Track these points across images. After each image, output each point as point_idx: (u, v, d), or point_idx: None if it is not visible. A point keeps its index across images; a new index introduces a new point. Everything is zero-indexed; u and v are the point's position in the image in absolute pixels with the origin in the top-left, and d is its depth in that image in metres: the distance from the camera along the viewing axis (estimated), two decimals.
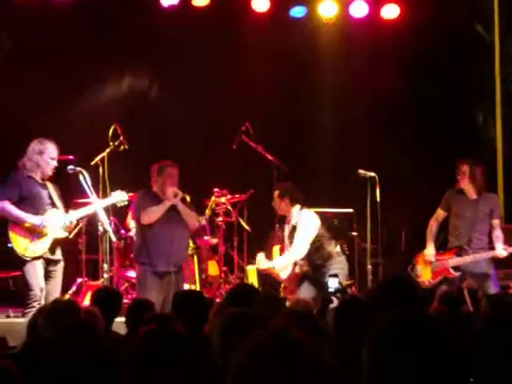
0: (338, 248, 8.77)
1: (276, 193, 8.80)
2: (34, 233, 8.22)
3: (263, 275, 9.42)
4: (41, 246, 8.24)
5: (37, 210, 8.27)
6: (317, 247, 8.61)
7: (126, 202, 8.87)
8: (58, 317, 4.69)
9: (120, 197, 8.81)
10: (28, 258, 8.16)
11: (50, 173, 8.45)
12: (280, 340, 2.18)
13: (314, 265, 8.65)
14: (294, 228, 8.68)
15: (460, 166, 9.00)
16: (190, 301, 5.53)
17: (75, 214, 8.57)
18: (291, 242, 8.69)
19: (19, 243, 8.18)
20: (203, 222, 10.28)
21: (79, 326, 4.37)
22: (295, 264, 8.77)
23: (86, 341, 4.06)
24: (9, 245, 8.19)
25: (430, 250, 9.10)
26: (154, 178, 8.73)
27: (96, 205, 8.61)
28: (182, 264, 8.92)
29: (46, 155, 8.37)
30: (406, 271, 9.23)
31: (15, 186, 8.26)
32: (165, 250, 8.55)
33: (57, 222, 8.35)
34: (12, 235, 8.19)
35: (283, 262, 8.78)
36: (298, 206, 8.73)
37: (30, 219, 8.20)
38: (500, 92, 11.55)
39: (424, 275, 9.11)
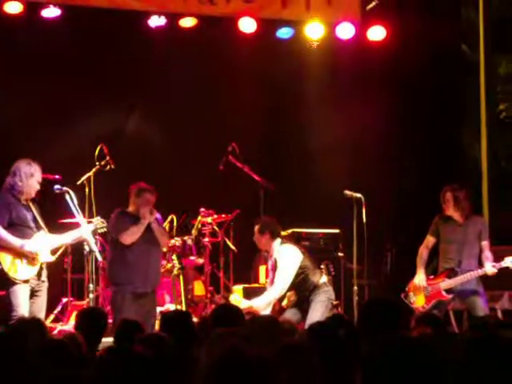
0: (324, 278, 8.80)
1: (256, 228, 8.84)
2: (24, 257, 8.19)
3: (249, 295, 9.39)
4: (30, 270, 8.21)
5: (24, 234, 8.22)
6: (302, 279, 8.65)
7: (105, 229, 8.90)
8: (24, 336, 4.66)
9: (99, 224, 8.82)
10: (17, 281, 8.12)
11: (33, 195, 8.44)
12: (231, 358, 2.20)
13: (300, 296, 8.68)
14: (275, 262, 8.71)
15: (444, 194, 9.11)
16: (179, 321, 5.49)
17: (62, 240, 8.57)
18: (274, 276, 8.71)
19: (10, 266, 8.13)
20: (189, 242, 10.30)
21: (47, 347, 4.28)
22: (282, 298, 8.76)
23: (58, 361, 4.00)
24: None
25: (420, 277, 9.18)
26: (131, 199, 8.79)
27: (82, 230, 8.60)
28: (157, 286, 8.96)
29: (35, 178, 8.35)
30: (399, 297, 9.26)
31: (6, 210, 8.20)
32: (143, 270, 8.63)
33: (45, 246, 8.33)
34: (3, 257, 8.13)
35: (262, 302, 8.75)
36: (278, 241, 8.77)
37: (29, 247, 8.16)
38: (485, 111, 11.62)
39: (418, 301, 9.17)
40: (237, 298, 8.99)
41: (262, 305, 8.71)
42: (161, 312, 9.29)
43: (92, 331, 5.44)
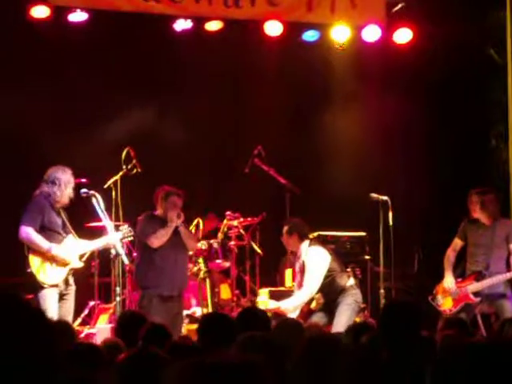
0: (352, 280, 8.73)
1: (284, 229, 8.82)
2: (54, 261, 8.24)
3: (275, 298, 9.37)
4: (60, 275, 8.27)
5: (53, 239, 8.28)
6: (329, 282, 8.60)
7: (132, 238, 8.94)
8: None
9: (127, 233, 8.87)
10: (46, 285, 8.17)
11: (68, 203, 8.51)
12: None
13: (327, 298, 8.64)
14: (303, 264, 8.67)
15: (470, 197, 9.12)
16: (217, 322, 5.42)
17: (90, 246, 8.63)
18: (301, 278, 8.67)
19: (39, 269, 8.18)
20: (215, 245, 10.31)
21: (75, 351, 4.27)
22: (311, 300, 8.73)
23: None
24: (28, 270, 8.19)
25: (448, 279, 9.17)
26: (158, 202, 8.82)
27: (110, 238, 8.63)
28: (183, 289, 8.98)
29: (71, 185, 8.42)
30: (426, 300, 9.23)
31: (38, 214, 8.25)
32: (170, 273, 8.67)
33: (74, 252, 8.38)
34: (33, 260, 8.18)
35: (290, 304, 8.73)
36: (306, 242, 8.72)
37: (56, 251, 8.21)
38: None
39: (445, 304, 9.16)
40: (264, 299, 8.97)
41: (291, 307, 8.69)
42: (187, 315, 9.32)
43: (132, 335, 5.41)
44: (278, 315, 8.81)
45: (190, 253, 9.48)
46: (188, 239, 8.93)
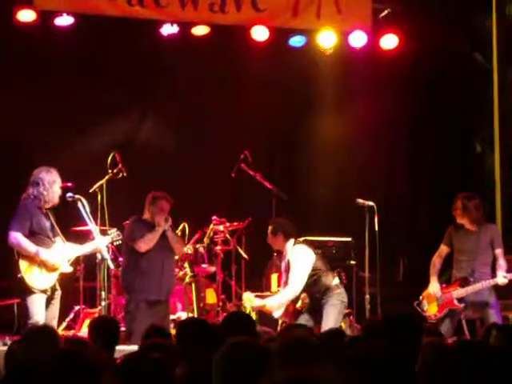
0: (337, 280, 8.73)
1: (269, 229, 8.82)
2: (44, 266, 8.22)
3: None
4: (49, 280, 8.25)
5: (42, 243, 8.25)
6: (314, 280, 8.59)
7: (120, 242, 8.94)
8: (35, 345, 4.65)
9: (115, 236, 8.86)
10: (35, 290, 8.15)
11: (57, 201, 8.47)
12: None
13: (312, 297, 8.63)
14: (289, 263, 8.68)
15: (455, 201, 9.13)
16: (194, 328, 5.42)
17: (78, 251, 8.61)
18: (287, 277, 8.68)
19: (29, 274, 8.15)
20: (201, 250, 10.31)
21: (60, 354, 4.27)
22: (296, 299, 8.72)
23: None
24: (18, 275, 8.16)
25: (433, 285, 9.18)
26: (146, 206, 8.83)
27: (98, 243, 8.62)
28: (170, 294, 8.98)
29: (57, 185, 8.39)
30: (412, 306, 9.25)
31: (27, 218, 8.21)
32: (157, 278, 8.67)
33: (63, 257, 8.36)
34: (23, 265, 8.15)
35: (275, 301, 8.72)
36: (291, 241, 8.72)
37: (44, 255, 8.18)
38: (498, 120, 11.58)
39: (430, 310, 9.18)
40: (250, 296, 8.95)
41: (275, 305, 8.69)
42: (172, 320, 9.31)
43: (106, 340, 5.41)
44: (264, 314, 8.83)
45: (176, 257, 9.48)
46: (175, 243, 8.94)
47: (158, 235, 8.72)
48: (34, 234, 8.21)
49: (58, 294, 8.40)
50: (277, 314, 8.75)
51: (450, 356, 2.69)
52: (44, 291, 8.20)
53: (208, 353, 4.71)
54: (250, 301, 8.81)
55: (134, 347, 6.18)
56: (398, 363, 2.82)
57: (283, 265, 8.84)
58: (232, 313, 7.07)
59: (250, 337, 4.74)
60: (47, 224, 8.36)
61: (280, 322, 8.91)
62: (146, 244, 8.68)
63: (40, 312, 8.13)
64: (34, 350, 4.61)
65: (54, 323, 8.21)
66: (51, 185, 8.31)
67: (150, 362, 3.34)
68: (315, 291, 8.60)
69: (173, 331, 9.16)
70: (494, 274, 8.95)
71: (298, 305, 8.78)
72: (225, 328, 5.37)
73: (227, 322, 5.52)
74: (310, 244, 8.94)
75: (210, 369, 3.60)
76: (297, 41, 11.34)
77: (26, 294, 8.15)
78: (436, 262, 9.26)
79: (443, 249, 9.27)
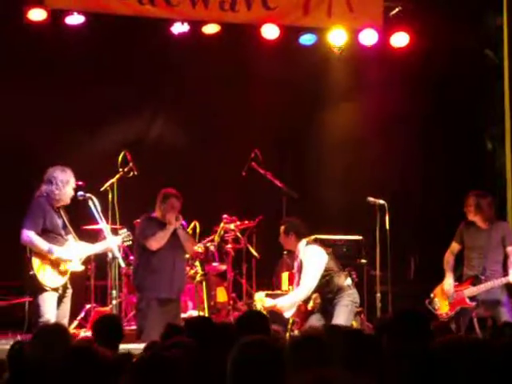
0: (349, 280, 8.70)
1: (282, 228, 8.80)
2: (57, 265, 8.23)
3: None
4: (62, 278, 8.26)
5: (55, 241, 8.25)
6: (326, 281, 8.57)
7: (130, 242, 8.94)
8: (47, 343, 4.64)
9: (126, 237, 8.87)
10: (47, 288, 8.16)
11: (69, 202, 8.48)
12: None
13: (324, 298, 8.62)
14: (301, 263, 8.66)
15: (467, 200, 9.12)
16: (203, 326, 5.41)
17: (90, 250, 8.61)
18: (300, 277, 8.66)
19: (41, 272, 8.16)
20: (212, 248, 10.32)
21: (70, 351, 4.27)
22: (308, 299, 8.70)
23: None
24: (30, 272, 8.17)
25: (448, 281, 9.18)
26: (157, 204, 8.83)
27: (109, 243, 8.63)
28: (181, 292, 8.99)
29: (70, 185, 8.38)
30: (423, 304, 9.23)
31: (40, 216, 8.21)
32: (168, 276, 8.68)
33: (77, 255, 8.37)
34: (36, 263, 8.16)
35: (286, 301, 8.70)
36: (304, 241, 8.70)
37: (57, 253, 8.19)
38: (510, 118, 11.54)
39: (442, 308, 9.17)
40: (262, 296, 8.95)
41: (287, 305, 8.68)
42: (183, 318, 9.31)
43: (109, 339, 5.39)
44: (275, 313, 8.81)
45: (187, 256, 9.48)
46: (186, 242, 8.94)
47: (169, 233, 8.73)
48: (46, 232, 8.22)
49: (69, 292, 8.41)
50: (288, 313, 8.74)
51: (458, 354, 2.69)
52: (56, 289, 8.21)
53: (216, 351, 4.74)
54: (262, 301, 8.81)
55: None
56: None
57: (296, 265, 8.82)
58: (246, 312, 7.04)
59: (264, 336, 4.74)
60: (59, 222, 8.37)
61: (291, 320, 8.90)
62: (157, 242, 8.70)
63: (51, 310, 8.14)
64: (45, 348, 4.61)
65: (65, 322, 8.20)
66: (64, 184, 8.31)
67: (169, 361, 3.33)
68: (327, 291, 8.58)
69: None
70: (505, 272, 8.94)
71: (310, 305, 8.75)
72: (238, 327, 5.35)
73: (241, 321, 5.51)
74: (322, 243, 8.92)
75: (218, 367, 3.59)
76: (307, 39, 11.33)
77: (38, 291, 8.16)
78: (449, 259, 9.26)
79: (455, 246, 9.27)
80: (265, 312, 8.89)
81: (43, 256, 8.17)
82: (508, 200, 11.40)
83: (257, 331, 4.86)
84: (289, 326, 8.82)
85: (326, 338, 4.25)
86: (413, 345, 4.33)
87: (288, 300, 8.72)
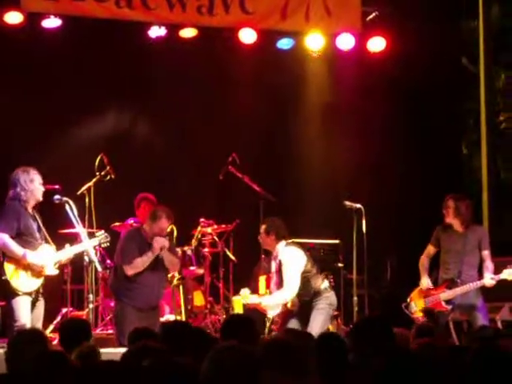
0: (326, 283, 8.73)
1: (262, 228, 8.80)
2: (31, 269, 8.17)
3: (249, 308, 9.33)
4: (35, 282, 8.19)
5: (30, 245, 8.19)
6: (303, 283, 8.57)
7: (108, 244, 8.88)
8: (24, 348, 4.63)
9: (103, 239, 8.81)
10: (19, 293, 8.11)
11: (41, 198, 8.40)
12: None
13: (301, 301, 8.62)
14: (280, 263, 8.66)
15: (445, 201, 9.14)
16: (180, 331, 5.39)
17: (65, 254, 8.53)
18: (279, 278, 8.66)
19: (14, 277, 8.10)
20: (189, 252, 10.30)
21: (48, 356, 4.25)
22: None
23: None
24: (2, 277, 8.11)
25: (424, 281, 9.19)
26: (148, 220, 8.74)
27: (85, 245, 8.58)
28: (159, 302, 8.96)
29: (36, 182, 8.32)
30: (400, 307, 9.26)
31: (14, 219, 8.15)
32: (145, 294, 8.59)
33: (50, 259, 8.31)
34: (8, 268, 8.10)
35: (272, 301, 8.71)
36: (283, 242, 8.71)
37: (31, 258, 8.13)
38: (485, 123, 11.62)
39: (418, 312, 9.18)
40: (247, 292, 8.93)
41: (271, 304, 8.68)
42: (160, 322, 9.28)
43: (75, 342, 5.35)
44: (258, 311, 8.81)
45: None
46: (170, 264, 8.82)
47: (149, 261, 8.60)
48: (20, 236, 8.16)
49: (42, 296, 8.36)
50: (271, 313, 8.75)
51: (441, 357, 2.71)
52: (29, 294, 8.16)
53: (191, 355, 4.74)
54: (246, 297, 8.80)
55: (123, 350, 6.15)
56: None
57: (274, 265, 8.81)
58: (232, 316, 6.97)
59: (248, 340, 4.73)
60: (34, 226, 8.32)
61: (272, 320, 8.90)
62: (132, 270, 8.58)
63: (26, 314, 8.08)
64: (23, 353, 4.59)
65: (39, 325, 8.14)
66: (28, 183, 8.25)
67: (179, 368, 3.34)
68: (304, 294, 8.58)
69: None
70: (481, 276, 8.97)
71: (289, 305, 8.75)
72: (223, 332, 5.32)
73: (225, 326, 5.47)
74: (300, 246, 8.94)
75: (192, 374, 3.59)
76: (285, 43, 11.36)
77: (11, 296, 8.10)
78: (424, 261, 9.29)
79: (430, 249, 9.29)
80: (246, 305, 8.88)
81: (17, 261, 8.11)
82: (483, 204, 11.48)
83: (242, 336, 4.85)
84: (268, 324, 8.83)
85: (293, 343, 4.25)
86: (375, 351, 4.33)
87: (273, 300, 8.72)
